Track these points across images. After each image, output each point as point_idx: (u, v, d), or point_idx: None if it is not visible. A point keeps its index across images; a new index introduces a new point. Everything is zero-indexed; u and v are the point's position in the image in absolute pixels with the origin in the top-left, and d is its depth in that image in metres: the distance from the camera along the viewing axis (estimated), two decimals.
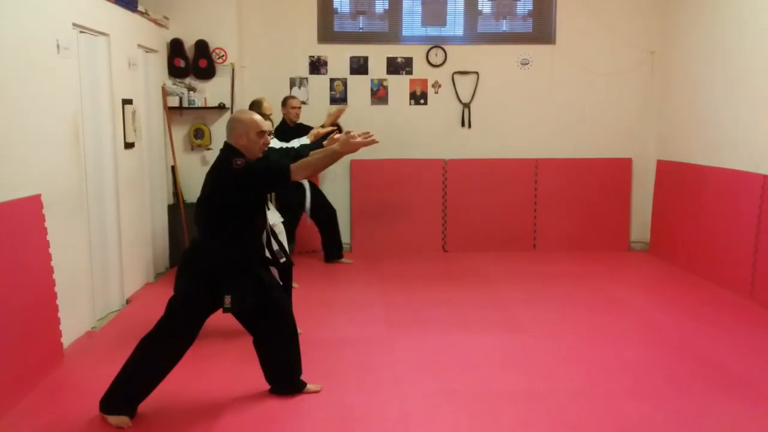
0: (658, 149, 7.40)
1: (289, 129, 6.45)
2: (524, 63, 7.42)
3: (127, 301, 5.45)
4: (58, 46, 4.23)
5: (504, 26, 7.58)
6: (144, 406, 3.49)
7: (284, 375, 3.70)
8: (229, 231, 3.43)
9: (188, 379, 3.90)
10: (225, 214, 3.42)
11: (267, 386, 3.75)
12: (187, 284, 3.50)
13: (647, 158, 7.48)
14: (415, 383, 3.92)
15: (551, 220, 7.47)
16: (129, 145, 5.58)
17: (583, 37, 7.38)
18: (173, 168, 6.85)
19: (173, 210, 6.80)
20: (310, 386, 3.73)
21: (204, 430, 3.37)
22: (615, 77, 7.42)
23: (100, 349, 4.45)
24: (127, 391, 3.41)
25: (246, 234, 3.50)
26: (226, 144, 3.55)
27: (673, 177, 7.01)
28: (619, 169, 7.52)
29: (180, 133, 6.92)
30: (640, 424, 3.42)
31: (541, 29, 7.49)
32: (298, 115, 6.64)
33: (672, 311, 5.35)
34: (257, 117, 3.53)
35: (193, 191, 6.93)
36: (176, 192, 6.86)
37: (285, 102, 6.67)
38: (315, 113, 7.26)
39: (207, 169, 6.71)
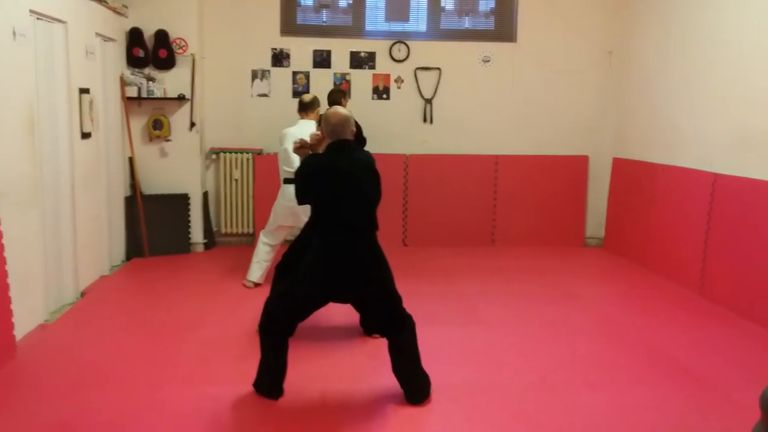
0: (614, 147, 7.57)
1: None
2: (486, 60, 7.50)
3: (82, 294, 5.36)
4: (14, 33, 4.12)
5: (466, 23, 7.64)
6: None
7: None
8: (376, 227, 3.58)
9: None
10: (373, 210, 3.59)
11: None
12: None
13: (603, 156, 7.64)
14: (375, 376, 3.95)
15: (510, 215, 7.58)
16: (86, 136, 5.47)
17: (544, 36, 7.49)
18: (131, 159, 6.74)
19: (130, 202, 6.70)
20: None
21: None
22: (573, 76, 7.56)
23: (53, 342, 4.37)
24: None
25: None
26: (345, 141, 3.55)
27: (628, 174, 7.18)
28: (576, 167, 7.67)
29: (138, 123, 6.82)
30: (596, 415, 3.52)
31: (502, 27, 7.58)
32: None
33: (625, 305, 5.49)
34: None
35: (150, 183, 6.85)
36: (134, 184, 6.75)
37: (345, 96, 6.39)
38: (277, 106, 7.24)
39: (166, 160, 6.84)
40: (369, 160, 3.54)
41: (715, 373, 4.09)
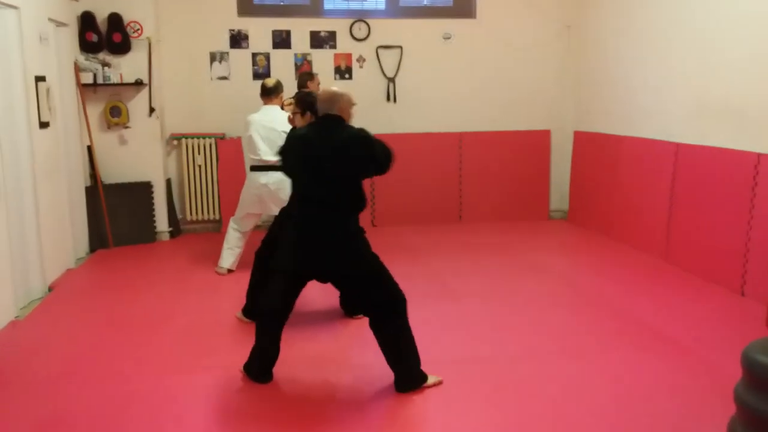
0: (575, 120, 7.69)
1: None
2: (446, 37, 7.50)
3: (50, 289, 5.22)
4: None
5: (425, 0, 7.61)
6: None
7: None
8: (358, 204, 3.46)
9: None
10: (356, 187, 3.45)
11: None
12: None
13: (565, 129, 7.75)
14: (358, 357, 3.96)
15: (476, 191, 7.64)
16: (44, 125, 5.29)
17: (503, 12, 7.52)
18: (90, 148, 6.55)
19: (91, 192, 6.52)
20: (431, 378, 3.57)
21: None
22: (533, 51, 7.62)
23: (27, 338, 4.25)
24: None
25: (360, 208, 3.51)
26: (329, 116, 3.46)
27: (590, 147, 7.31)
28: (539, 141, 7.77)
29: (95, 111, 6.62)
30: (576, 383, 3.60)
31: (461, 4, 7.58)
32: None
33: (594, 275, 5.62)
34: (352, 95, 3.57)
35: (111, 172, 6.68)
36: (93, 173, 6.57)
37: (312, 77, 6.15)
38: (237, 89, 7.11)
39: (125, 148, 6.67)
40: (354, 134, 3.41)
41: (687, 335, 4.22)
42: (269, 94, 5.44)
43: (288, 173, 3.59)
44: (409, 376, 3.50)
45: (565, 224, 7.62)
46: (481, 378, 3.66)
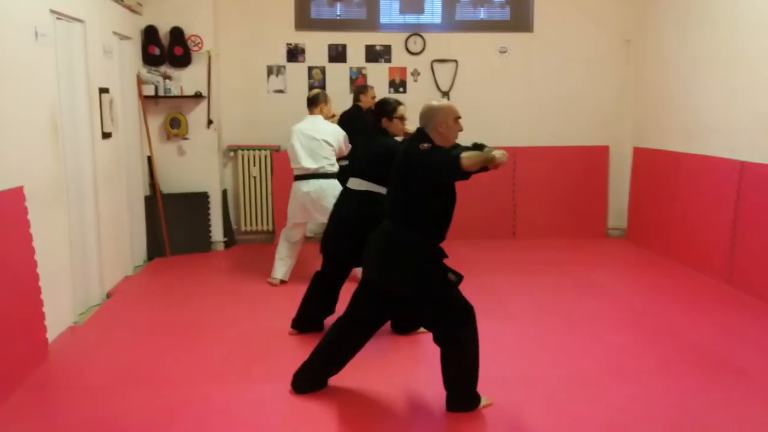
0: (634, 136, 7.49)
1: (360, 115, 6.22)
2: (502, 51, 7.43)
3: (108, 295, 5.34)
4: (36, 33, 4.09)
5: (482, 14, 7.57)
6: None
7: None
8: (419, 219, 3.33)
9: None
10: (415, 201, 3.33)
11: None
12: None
13: (624, 145, 7.57)
14: (408, 373, 3.92)
15: (530, 207, 7.52)
16: (106, 135, 5.44)
17: (560, 25, 7.41)
18: (149, 158, 6.72)
19: (150, 201, 6.68)
20: (484, 399, 3.47)
21: None
22: (591, 65, 7.48)
23: (83, 344, 4.35)
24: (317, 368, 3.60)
25: (433, 227, 3.36)
26: (418, 130, 3.42)
27: (650, 164, 7.11)
28: (597, 157, 7.60)
29: (156, 122, 6.79)
30: (631, 407, 3.47)
31: (518, 17, 7.51)
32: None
33: (652, 296, 5.43)
34: (453, 103, 3.45)
35: (169, 182, 6.83)
36: (153, 183, 6.73)
37: (365, 90, 6.45)
38: (293, 102, 7.18)
39: (184, 159, 6.82)
40: (408, 145, 3.37)
41: (748, 362, 4.03)
42: (310, 104, 5.56)
43: (446, 199, 3.45)
44: (462, 396, 3.42)
45: (622, 243, 7.41)
46: (533, 399, 3.57)
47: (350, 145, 5.43)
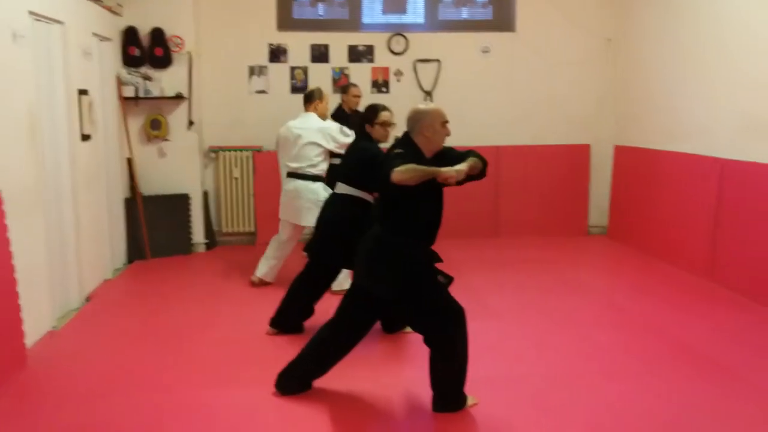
0: (615, 135, 7.54)
1: (347, 116, 6.20)
2: (485, 51, 7.44)
3: (87, 299, 5.27)
4: (14, 35, 4.02)
5: (464, 14, 7.58)
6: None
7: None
8: (406, 224, 3.31)
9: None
10: (399, 206, 3.31)
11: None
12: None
13: (605, 144, 7.61)
14: (395, 373, 3.90)
15: (513, 206, 7.53)
16: (86, 138, 5.37)
17: (542, 25, 7.44)
18: (129, 160, 6.64)
19: (130, 204, 6.60)
20: (470, 399, 3.46)
21: None
22: (573, 65, 7.51)
23: (64, 349, 4.28)
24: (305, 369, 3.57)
25: (421, 230, 3.34)
26: (405, 134, 3.42)
27: (631, 162, 7.15)
28: (578, 156, 7.63)
29: (136, 124, 6.72)
30: (619, 405, 3.48)
31: (501, 17, 7.52)
32: (358, 104, 6.36)
33: (635, 293, 5.46)
34: (440, 107, 3.40)
35: (149, 184, 6.76)
36: (133, 185, 6.65)
37: (346, 89, 6.42)
38: (275, 103, 7.15)
39: (164, 160, 6.76)
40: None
41: (733, 358, 4.07)
42: (305, 101, 5.51)
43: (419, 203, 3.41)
44: (449, 396, 3.41)
45: (604, 240, 7.46)
46: (519, 398, 3.57)
47: (351, 133, 5.18)
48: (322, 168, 5.35)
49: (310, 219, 5.09)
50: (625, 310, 5.04)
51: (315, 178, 5.31)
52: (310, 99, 5.46)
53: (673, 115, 6.40)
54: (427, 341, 3.39)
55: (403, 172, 3.08)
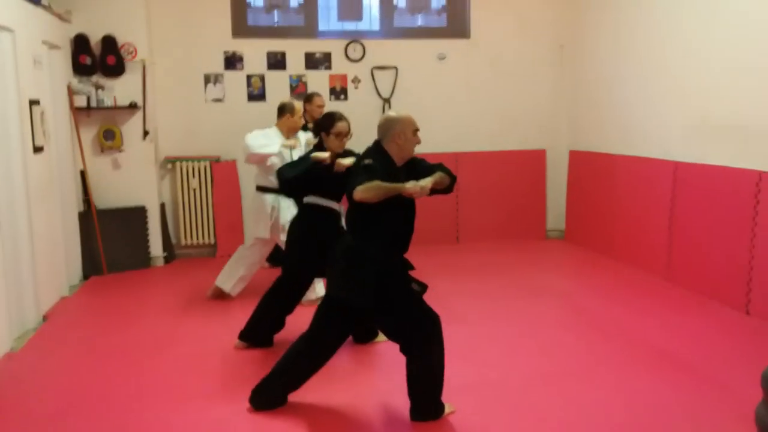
0: (570, 140, 7.69)
1: (306, 127, 6.05)
2: (441, 57, 7.50)
3: (44, 318, 5.08)
4: None
5: (419, 21, 7.62)
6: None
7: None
8: (377, 233, 3.30)
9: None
10: (368, 215, 3.29)
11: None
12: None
13: (560, 149, 7.75)
14: (370, 383, 3.88)
15: (472, 212, 7.60)
16: (38, 149, 5.18)
17: (496, 32, 7.54)
18: (83, 172, 6.44)
19: (84, 217, 6.40)
20: (447, 407, 3.44)
21: None
22: (527, 70, 7.64)
23: (23, 371, 4.12)
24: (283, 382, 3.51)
25: (393, 239, 3.35)
26: (375, 143, 3.41)
27: (586, 166, 7.31)
28: (534, 161, 7.76)
29: (88, 134, 6.52)
30: (590, 406, 3.53)
31: (455, 24, 7.60)
32: (321, 114, 6.16)
33: (596, 295, 5.57)
34: (411, 115, 3.40)
35: (104, 197, 6.57)
36: (87, 198, 6.46)
37: (310, 99, 6.13)
38: (232, 111, 7.06)
39: (119, 172, 6.57)
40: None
41: (696, 356, 4.18)
42: (277, 114, 5.26)
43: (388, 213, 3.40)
44: (427, 406, 3.39)
45: (562, 244, 7.59)
46: (493, 403, 3.59)
47: (258, 155, 5.02)
48: (266, 181, 5.21)
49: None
50: (588, 312, 5.13)
51: (261, 189, 5.27)
52: (281, 113, 5.22)
53: (626, 119, 6.57)
54: (403, 350, 3.38)
55: (365, 191, 3.12)
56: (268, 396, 3.51)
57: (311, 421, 3.41)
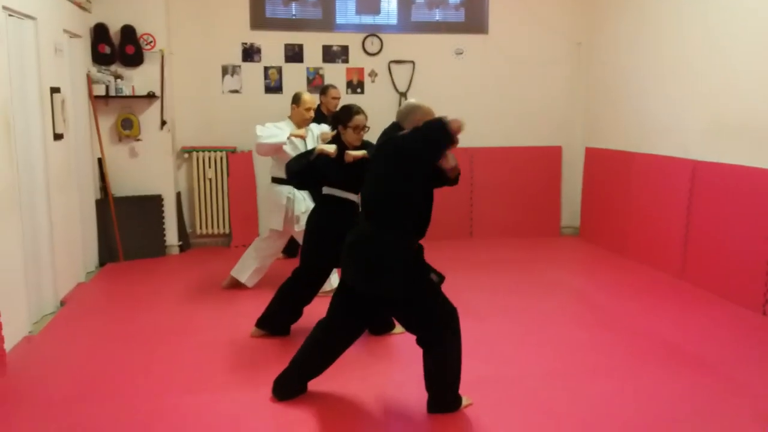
0: (586, 137, 7.67)
1: (325, 118, 6.01)
2: (458, 52, 7.49)
3: (62, 303, 5.13)
4: None
5: (437, 15, 7.61)
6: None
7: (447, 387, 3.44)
8: (403, 219, 3.29)
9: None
10: (399, 200, 3.29)
11: None
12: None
13: (576, 146, 7.73)
14: (386, 375, 3.89)
15: (487, 207, 7.60)
16: (58, 137, 5.23)
17: (514, 28, 7.52)
18: (100, 160, 6.49)
19: (101, 205, 6.45)
20: (464, 400, 3.46)
21: None
22: (544, 67, 7.62)
23: (42, 355, 4.16)
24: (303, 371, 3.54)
25: (416, 226, 3.36)
26: (394, 124, 3.47)
27: (602, 163, 7.28)
28: (550, 157, 7.75)
29: (106, 123, 6.56)
30: (608, 403, 3.53)
31: (473, 19, 7.58)
32: (337, 106, 6.18)
33: (611, 292, 5.56)
34: (431, 107, 3.46)
35: (121, 185, 6.62)
36: (104, 186, 6.51)
37: (325, 91, 6.34)
38: (248, 102, 7.08)
39: (136, 161, 6.60)
40: (395, 142, 3.33)
41: (713, 355, 4.17)
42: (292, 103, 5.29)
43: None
44: (445, 398, 3.40)
45: (576, 241, 7.58)
46: (509, 398, 3.60)
47: (265, 145, 5.01)
48: (277, 172, 5.23)
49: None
50: (603, 309, 5.12)
51: (274, 180, 5.30)
52: (292, 102, 5.24)
53: (643, 117, 6.54)
54: (421, 342, 3.39)
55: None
56: (290, 386, 3.54)
57: (326, 410, 3.43)
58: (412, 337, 3.45)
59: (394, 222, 3.28)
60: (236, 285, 5.51)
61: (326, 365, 3.55)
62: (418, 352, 3.43)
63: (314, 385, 3.61)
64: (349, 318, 3.48)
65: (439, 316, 3.33)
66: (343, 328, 3.49)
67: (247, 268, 5.47)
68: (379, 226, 3.30)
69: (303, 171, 4.17)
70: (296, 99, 5.22)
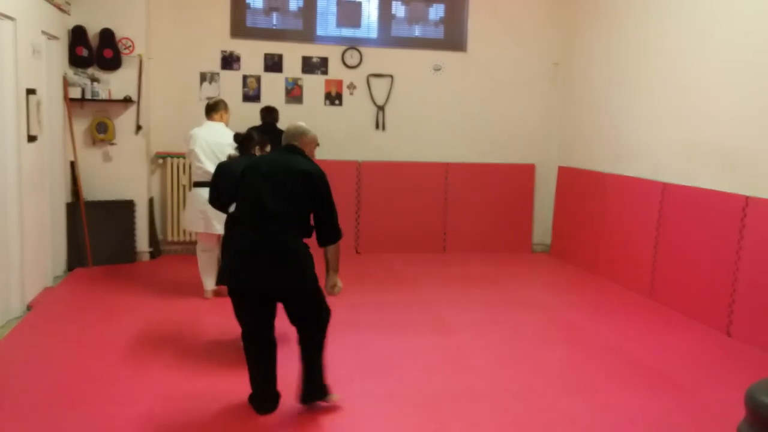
0: (559, 156, 7.79)
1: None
2: (436, 69, 7.57)
3: (28, 307, 5.04)
4: None
5: (416, 31, 7.69)
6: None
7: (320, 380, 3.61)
8: (309, 230, 3.53)
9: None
10: (307, 215, 3.52)
11: None
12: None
13: (549, 164, 7.85)
14: (355, 386, 3.89)
15: (460, 222, 7.67)
16: (32, 139, 5.16)
17: (492, 46, 7.63)
18: (73, 164, 6.41)
19: (72, 209, 6.36)
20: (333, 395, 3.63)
21: None
22: (520, 86, 7.74)
23: (7, 361, 4.08)
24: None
25: (309, 234, 3.56)
26: (291, 146, 3.62)
27: (574, 183, 7.41)
28: (523, 175, 7.85)
29: (81, 126, 6.49)
30: (578, 421, 3.58)
31: (452, 36, 7.68)
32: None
33: (581, 310, 5.63)
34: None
35: (93, 189, 6.54)
36: (76, 189, 6.42)
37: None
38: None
39: (110, 165, 6.52)
40: (319, 171, 3.51)
41: (681, 374, 4.25)
42: (211, 110, 5.54)
43: (243, 189, 3.52)
44: (322, 387, 3.58)
45: (547, 258, 7.67)
46: (478, 412, 3.62)
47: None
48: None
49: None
50: (573, 327, 5.19)
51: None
52: (217, 109, 5.52)
53: (617, 138, 6.67)
54: (306, 338, 3.52)
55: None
56: (259, 399, 3.53)
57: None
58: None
59: (303, 233, 3.49)
60: (221, 293, 5.45)
61: (271, 370, 3.55)
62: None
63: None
64: (259, 322, 3.51)
65: (325, 310, 3.55)
66: (256, 328, 3.52)
67: (209, 276, 5.45)
68: (291, 234, 3.43)
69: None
70: (225, 106, 5.61)
